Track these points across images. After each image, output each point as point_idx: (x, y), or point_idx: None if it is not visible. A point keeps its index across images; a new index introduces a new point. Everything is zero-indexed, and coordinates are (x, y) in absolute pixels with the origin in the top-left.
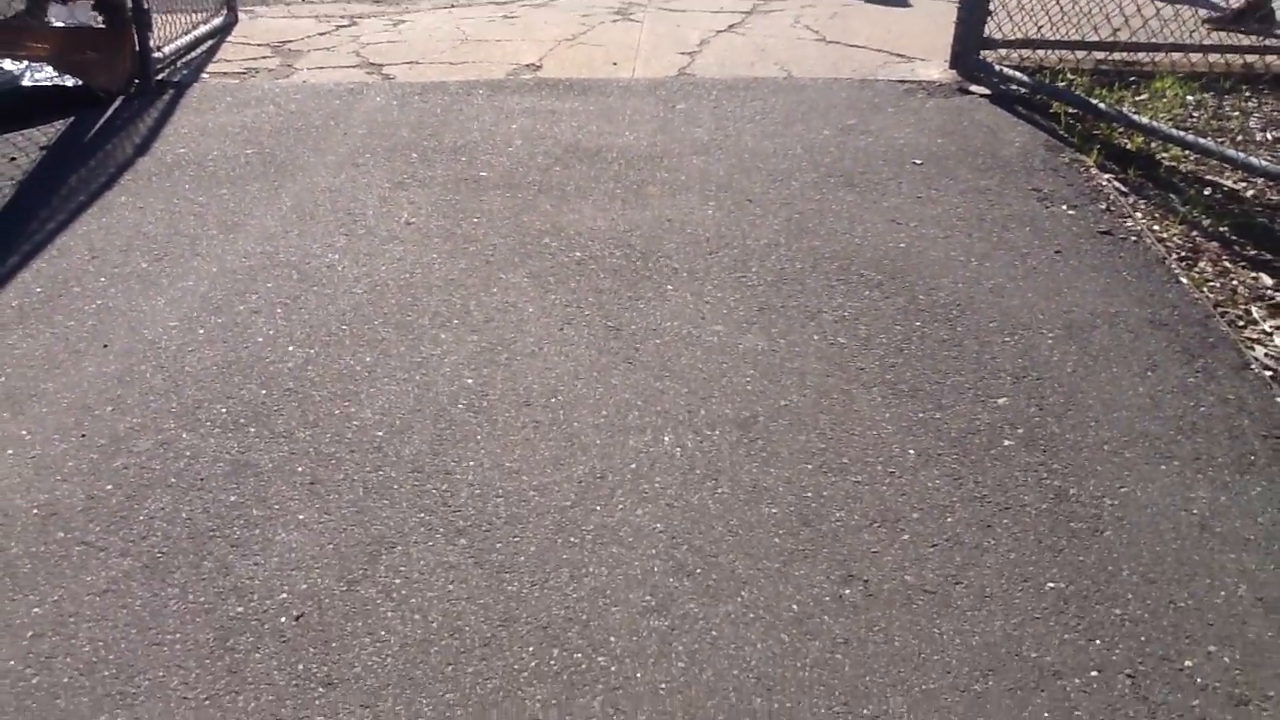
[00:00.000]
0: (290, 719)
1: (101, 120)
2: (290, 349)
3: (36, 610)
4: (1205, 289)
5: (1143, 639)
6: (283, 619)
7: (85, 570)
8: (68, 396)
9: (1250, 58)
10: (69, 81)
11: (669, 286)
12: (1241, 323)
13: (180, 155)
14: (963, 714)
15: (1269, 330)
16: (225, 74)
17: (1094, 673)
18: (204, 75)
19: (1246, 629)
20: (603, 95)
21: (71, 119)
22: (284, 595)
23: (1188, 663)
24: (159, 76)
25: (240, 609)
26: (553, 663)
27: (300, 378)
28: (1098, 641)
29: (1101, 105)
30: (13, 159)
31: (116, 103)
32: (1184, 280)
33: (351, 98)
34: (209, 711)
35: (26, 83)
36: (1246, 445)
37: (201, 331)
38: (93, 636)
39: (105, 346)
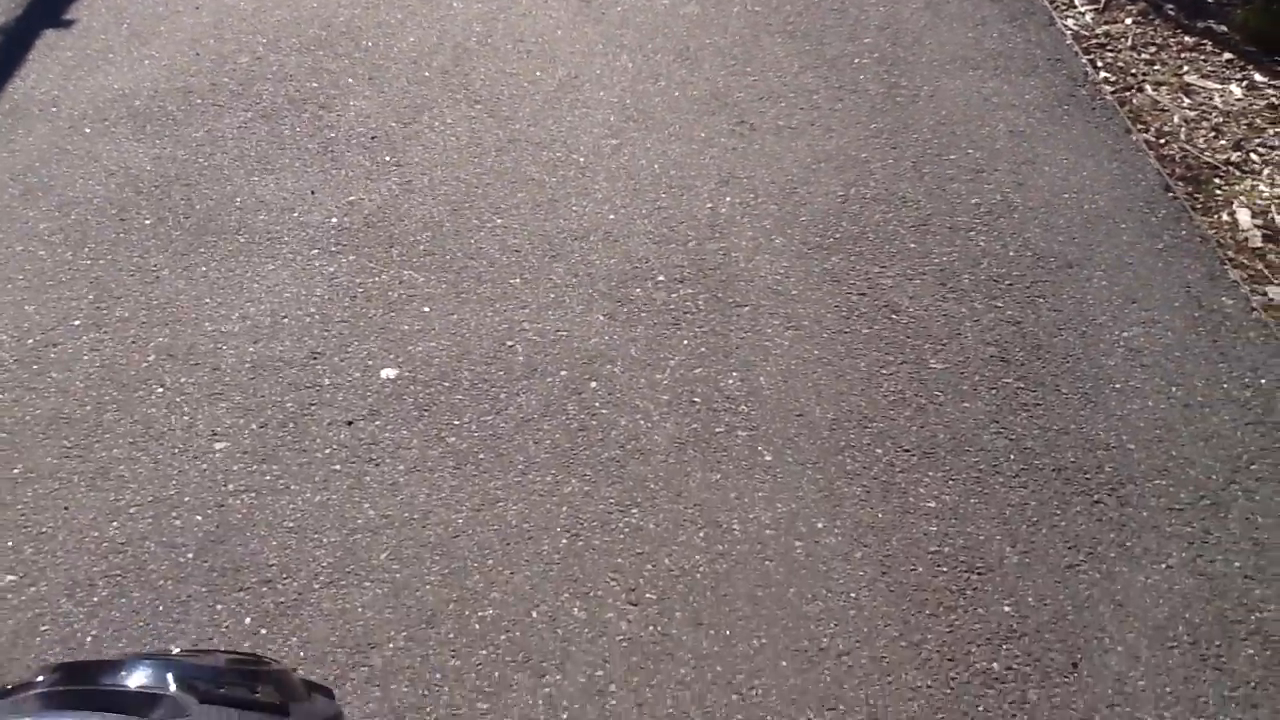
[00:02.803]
0: (375, 178)
1: None
2: (339, 9)
3: (195, 134)
4: None
5: (926, 144)
6: (363, 139)
7: (221, 118)
8: (179, 35)
9: None
10: None
11: None
12: (1064, 6)
13: None
14: (801, 176)
15: (1082, 11)
16: None
17: (889, 161)
18: None
19: (995, 141)
20: None
21: None
22: (361, 129)
23: (951, 156)
24: None
25: (333, 134)
26: (543, 157)
27: (350, 25)
28: (897, 148)
29: None
30: None
31: None
32: None
33: None
34: (321, 175)
35: None
36: (1033, 63)
37: (270, 1)
38: (238, 144)
39: (197, 9)
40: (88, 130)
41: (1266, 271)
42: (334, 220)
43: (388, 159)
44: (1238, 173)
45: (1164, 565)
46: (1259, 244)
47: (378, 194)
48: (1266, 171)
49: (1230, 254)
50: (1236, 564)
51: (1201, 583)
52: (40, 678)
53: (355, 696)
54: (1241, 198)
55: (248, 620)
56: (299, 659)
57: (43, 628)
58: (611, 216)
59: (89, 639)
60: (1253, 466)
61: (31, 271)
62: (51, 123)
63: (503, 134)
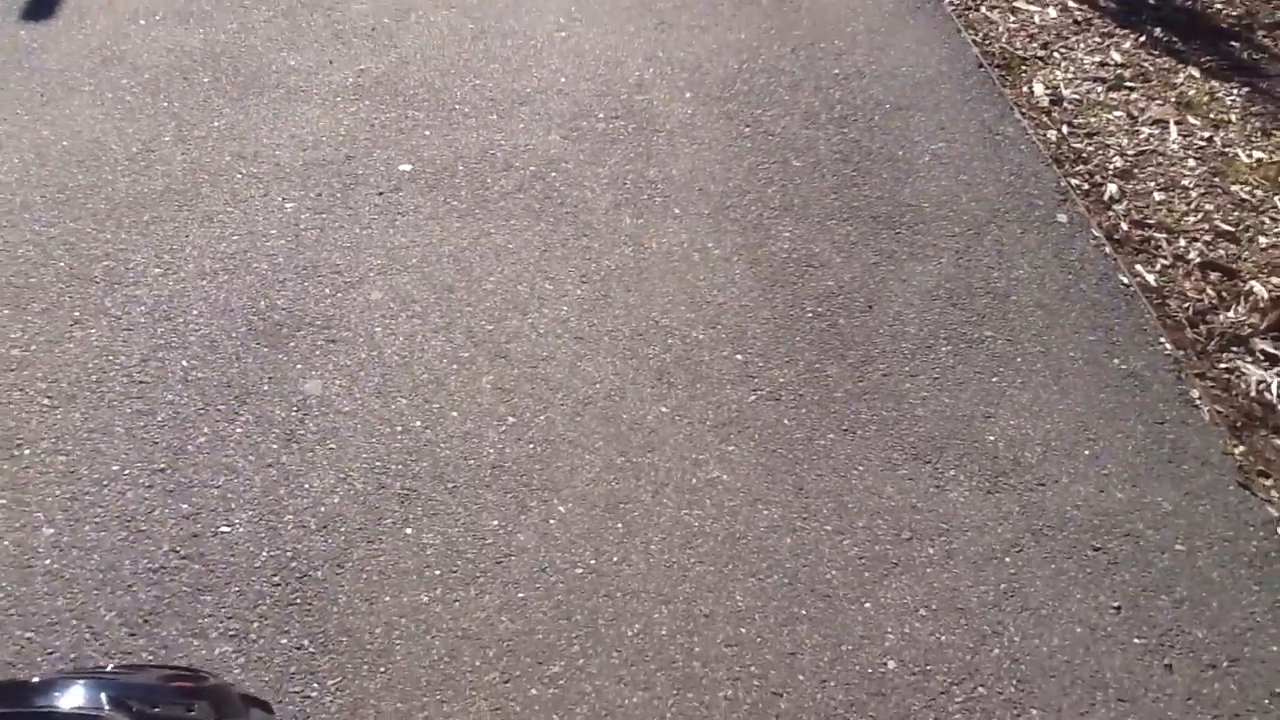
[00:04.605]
0: (378, 55)
1: None
2: None
3: (230, 24)
4: None
5: (803, 37)
6: (365, 29)
7: (250, 14)
8: None
9: None
10: None
11: None
12: None
13: None
14: (707, 57)
15: None
16: None
17: (774, 47)
18: None
19: (856, 35)
20: None
21: None
22: (362, 23)
23: (822, 44)
24: None
25: (340, 26)
26: (508, 43)
27: None
28: (781, 40)
29: None
30: None
31: None
32: None
33: None
34: (335, 52)
35: None
36: None
37: None
38: (265, 31)
39: None
40: (142, 22)
41: (1047, 120)
42: (350, 80)
43: (386, 42)
44: (1041, 64)
45: (936, 262)
46: (1046, 105)
47: (382, 64)
48: (1064, 64)
49: (1023, 109)
50: (984, 260)
51: (960, 270)
52: None
53: (403, 345)
54: (1040, 77)
55: (327, 290)
56: (364, 310)
57: (186, 297)
58: (562, 79)
59: (220, 301)
60: (1005, 214)
61: (123, 109)
62: (112, 17)
63: (475, 26)
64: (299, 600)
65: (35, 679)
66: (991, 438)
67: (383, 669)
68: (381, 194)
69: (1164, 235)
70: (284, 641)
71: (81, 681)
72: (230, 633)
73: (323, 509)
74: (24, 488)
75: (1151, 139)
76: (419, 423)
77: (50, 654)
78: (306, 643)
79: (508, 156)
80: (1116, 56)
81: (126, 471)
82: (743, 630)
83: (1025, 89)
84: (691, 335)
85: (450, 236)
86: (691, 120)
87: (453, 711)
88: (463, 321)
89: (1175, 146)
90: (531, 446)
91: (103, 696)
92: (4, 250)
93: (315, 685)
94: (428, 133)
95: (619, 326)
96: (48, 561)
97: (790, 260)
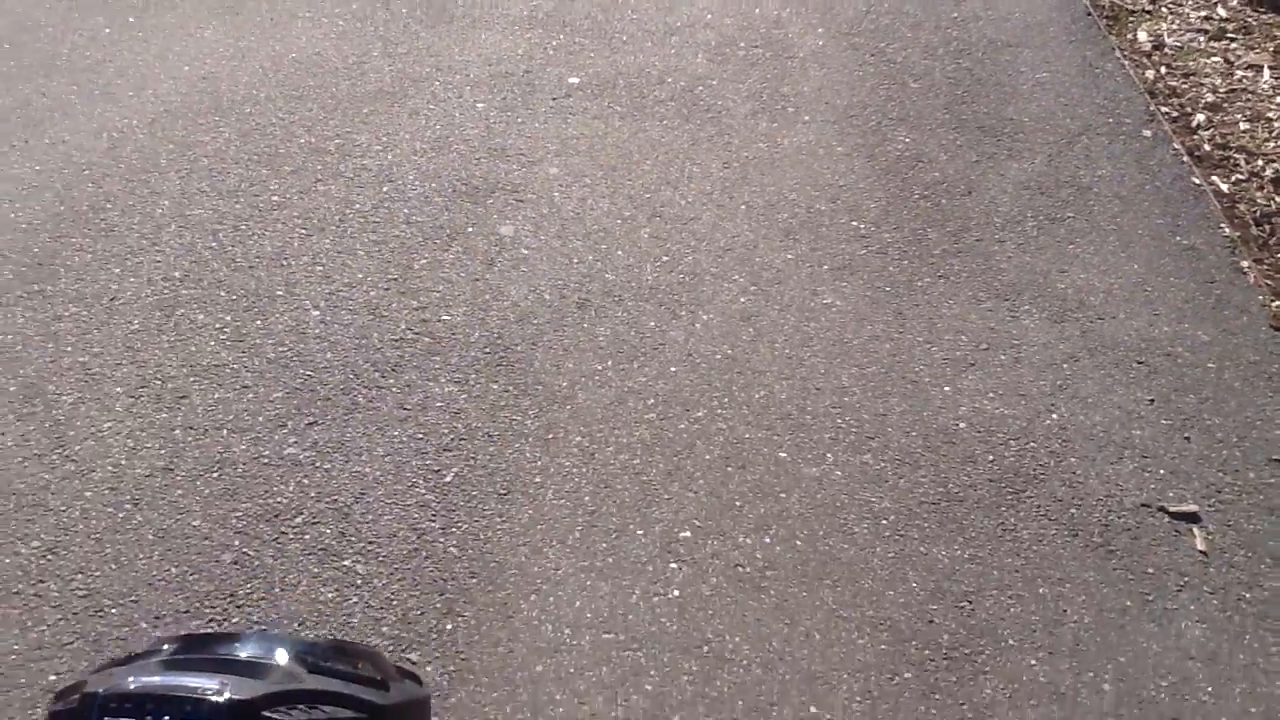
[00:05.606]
0: None
1: None
2: None
3: None
4: None
5: None
6: None
7: None
8: None
9: None
10: None
11: None
12: None
13: None
14: (837, 0)
15: None
16: None
17: None
18: None
19: None
20: None
21: None
22: None
23: None
24: None
25: None
26: None
27: None
28: None
29: None
30: None
31: None
32: None
33: None
34: None
35: None
36: None
37: None
38: None
39: None
40: None
41: (1146, 61)
42: (524, 14)
43: None
44: (1147, 16)
45: (1030, 162)
46: (1147, 50)
47: (551, 1)
48: (1169, 17)
49: (1124, 51)
50: (1073, 162)
51: (1050, 169)
52: (165, 646)
53: (577, 205)
54: (1145, 27)
55: (514, 166)
56: (544, 181)
57: (402, 167)
58: (709, 16)
59: (430, 170)
60: (1095, 129)
61: (338, 31)
62: None
63: None
64: (505, 363)
65: (219, 632)
66: (1063, 285)
67: (569, 406)
68: (555, 99)
69: (1243, 156)
70: (495, 387)
71: (260, 635)
72: (455, 380)
73: (519, 308)
74: (293, 286)
75: (1244, 80)
76: (590, 257)
77: (326, 385)
78: (511, 388)
79: (661, 74)
80: (1222, 12)
81: (368, 279)
82: (845, 399)
83: (1129, 36)
84: (815, 206)
85: (612, 131)
86: (822, 50)
87: (621, 434)
88: (624, 190)
89: (1266, 87)
90: (681, 276)
91: (281, 648)
92: (257, 129)
93: (519, 414)
94: (592, 54)
95: (754, 199)
96: (317, 331)
97: (903, 158)
